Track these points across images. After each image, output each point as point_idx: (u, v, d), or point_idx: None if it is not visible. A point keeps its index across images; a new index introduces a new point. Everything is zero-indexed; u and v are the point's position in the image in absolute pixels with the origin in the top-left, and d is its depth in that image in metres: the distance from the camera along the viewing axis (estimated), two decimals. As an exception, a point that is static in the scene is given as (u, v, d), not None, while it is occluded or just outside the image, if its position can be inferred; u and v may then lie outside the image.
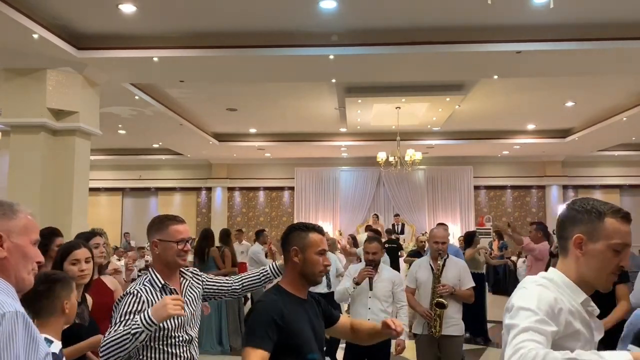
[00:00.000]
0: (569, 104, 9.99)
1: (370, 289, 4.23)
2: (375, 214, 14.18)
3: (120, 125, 11.01)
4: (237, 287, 2.59)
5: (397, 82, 8.64)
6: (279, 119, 11.37)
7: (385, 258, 7.94)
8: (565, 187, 15.74)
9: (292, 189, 16.14)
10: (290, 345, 2.03)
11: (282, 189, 16.33)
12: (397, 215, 14.42)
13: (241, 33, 6.33)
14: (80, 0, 5.52)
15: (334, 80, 7.98)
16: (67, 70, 6.67)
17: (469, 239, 7.83)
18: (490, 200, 16.03)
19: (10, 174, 6.55)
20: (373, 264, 4.24)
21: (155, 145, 14.27)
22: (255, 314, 2.10)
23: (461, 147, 13.71)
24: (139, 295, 2.21)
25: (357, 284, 4.26)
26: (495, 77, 7.63)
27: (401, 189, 15.60)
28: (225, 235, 7.84)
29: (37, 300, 2.20)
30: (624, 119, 10.17)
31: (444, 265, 4.27)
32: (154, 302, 2.20)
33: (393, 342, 3.92)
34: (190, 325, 2.33)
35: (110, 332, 2.09)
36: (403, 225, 14.06)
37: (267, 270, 2.66)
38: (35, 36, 5.72)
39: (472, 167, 15.69)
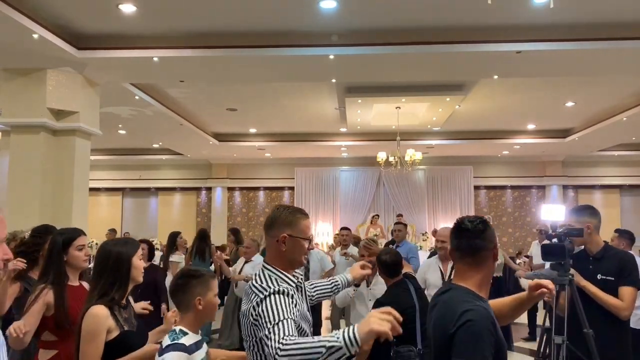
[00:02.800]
0: (569, 104, 9.99)
1: (367, 285, 4.20)
2: (375, 214, 14.18)
3: (120, 125, 11.01)
4: (313, 294, 2.52)
5: (397, 82, 8.64)
6: (279, 119, 11.37)
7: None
8: (565, 187, 15.74)
9: (292, 189, 16.14)
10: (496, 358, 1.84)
11: (282, 189, 16.33)
12: (399, 215, 14.39)
13: (241, 33, 6.33)
14: (80, 0, 5.52)
15: (334, 80, 7.98)
16: (67, 70, 6.68)
17: None
18: (490, 200, 16.03)
19: (10, 174, 6.55)
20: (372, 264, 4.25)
21: (155, 145, 14.27)
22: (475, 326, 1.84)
23: (461, 147, 13.71)
24: (290, 294, 1.94)
25: (357, 286, 4.21)
26: (495, 77, 7.63)
27: (401, 189, 15.59)
28: (238, 233, 8.07)
29: (176, 294, 2.31)
30: (624, 119, 10.17)
31: (452, 267, 4.27)
32: (299, 303, 2.01)
33: None
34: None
35: (288, 338, 1.76)
36: (405, 225, 14.03)
37: (337, 281, 2.63)
38: (35, 36, 5.73)
39: (472, 167, 15.69)
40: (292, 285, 2.04)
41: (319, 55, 6.53)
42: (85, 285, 2.98)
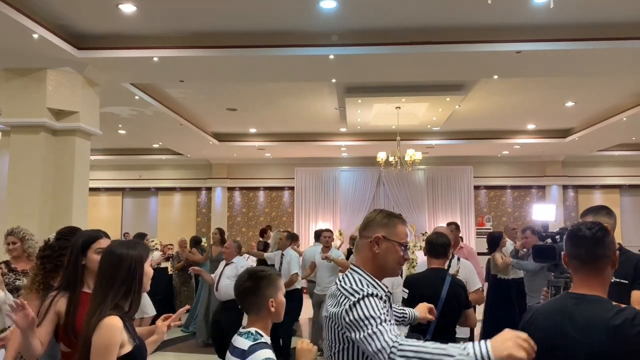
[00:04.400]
0: (569, 104, 9.99)
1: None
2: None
3: (120, 125, 11.01)
4: None
5: (397, 82, 8.64)
6: (279, 119, 11.37)
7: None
8: (565, 187, 15.73)
9: (292, 189, 16.14)
10: None
11: (282, 189, 16.33)
12: (399, 215, 14.38)
13: (241, 33, 6.33)
14: (80, 0, 5.52)
15: (334, 80, 7.97)
16: (67, 70, 6.67)
17: (494, 242, 6.95)
18: (490, 200, 16.02)
19: (10, 174, 6.55)
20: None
21: (155, 145, 14.27)
22: None
23: (461, 147, 13.71)
24: (383, 299, 1.88)
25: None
26: (495, 77, 7.63)
27: (401, 189, 15.59)
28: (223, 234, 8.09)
29: (245, 297, 2.24)
30: (624, 119, 10.17)
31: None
32: (390, 314, 1.93)
33: None
34: None
35: (403, 340, 1.68)
36: None
37: (406, 313, 2.59)
38: (35, 36, 5.73)
39: (472, 167, 15.69)
40: (383, 292, 1.93)
41: (319, 55, 6.53)
42: None
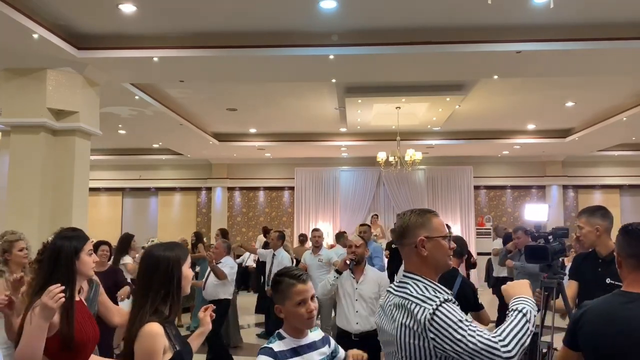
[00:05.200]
0: (569, 104, 9.99)
1: (352, 272, 4.17)
2: (375, 214, 14.18)
3: (120, 125, 11.00)
4: None
5: (397, 82, 8.63)
6: (279, 119, 11.37)
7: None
8: (565, 187, 15.74)
9: (292, 189, 16.14)
10: None
11: (282, 189, 16.34)
12: (400, 215, 14.37)
13: (241, 33, 6.33)
14: (80, 0, 5.52)
15: (334, 80, 7.97)
16: (67, 70, 6.67)
17: (506, 242, 6.90)
18: (490, 200, 16.02)
19: (10, 174, 6.55)
20: (356, 260, 4.15)
21: (155, 145, 14.27)
22: None
23: (461, 147, 13.71)
24: (455, 303, 1.85)
25: (339, 272, 4.18)
26: (495, 77, 7.63)
27: (401, 189, 15.59)
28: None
29: (274, 292, 2.24)
30: (624, 119, 10.17)
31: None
32: None
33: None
34: None
35: (493, 333, 1.72)
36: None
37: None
38: (35, 36, 5.72)
39: (472, 167, 15.69)
40: (452, 297, 1.89)
41: (319, 55, 6.53)
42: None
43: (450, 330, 1.73)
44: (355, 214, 15.46)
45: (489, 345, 1.67)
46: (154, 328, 1.97)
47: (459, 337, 1.71)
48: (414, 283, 1.91)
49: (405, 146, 11.38)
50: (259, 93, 9.30)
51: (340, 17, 5.89)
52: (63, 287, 2.19)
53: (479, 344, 1.68)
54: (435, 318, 1.75)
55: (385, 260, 9.41)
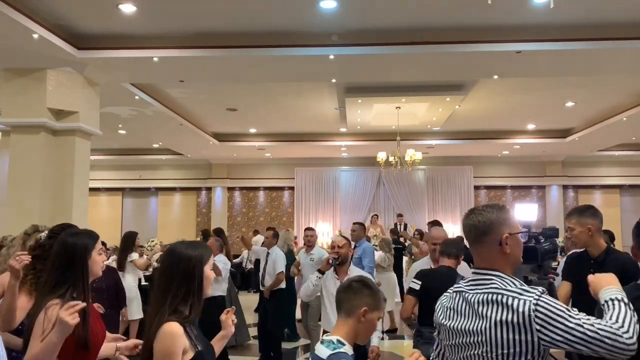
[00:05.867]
0: (569, 104, 9.99)
1: (336, 272, 4.08)
2: (374, 214, 14.18)
3: (120, 125, 11.01)
4: None
5: (397, 82, 8.64)
6: (279, 119, 11.37)
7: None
8: (565, 187, 15.74)
9: (292, 189, 16.15)
10: None
11: (282, 189, 16.34)
12: (400, 215, 14.38)
13: (241, 33, 6.33)
14: (80, 0, 5.52)
15: (334, 80, 7.98)
16: (67, 70, 6.67)
17: None
18: (490, 200, 16.01)
19: (10, 174, 6.55)
20: (338, 260, 4.08)
21: (155, 145, 14.27)
22: None
23: (461, 147, 13.71)
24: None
25: (321, 272, 4.10)
26: (495, 77, 7.63)
27: (401, 189, 15.60)
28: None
29: (343, 292, 2.22)
30: (624, 119, 10.17)
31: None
32: None
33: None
34: None
35: (606, 321, 1.70)
36: (406, 225, 14.05)
37: None
38: (35, 36, 5.72)
39: (472, 167, 15.69)
40: None
41: (319, 55, 6.53)
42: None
43: (560, 319, 1.66)
44: (355, 214, 15.45)
45: (608, 332, 1.62)
46: (174, 328, 1.92)
47: (572, 325, 1.65)
48: (500, 279, 1.82)
49: (405, 146, 11.38)
50: (259, 93, 9.30)
51: (340, 17, 5.89)
52: (84, 305, 2.11)
53: (598, 331, 1.62)
54: (540, 309, 1.69)
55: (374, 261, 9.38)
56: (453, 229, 15.10)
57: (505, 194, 16.00)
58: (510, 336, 1.72)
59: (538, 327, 1.69)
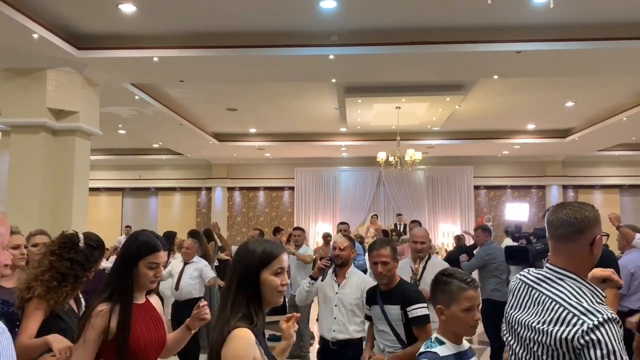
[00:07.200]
0: (569, 104, 9.99)
1: (322, 280, 3.81)
2: (374, 214, 14.17)
3: (120, 125, 11.01)
4: None
5: (397, 82, 8.63)
6: (279, 119, 11.37)
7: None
8: (565, 187, 15.74)
9: (292, 189, 16.14)
10: None
11: (282, 189, 16.33)
12: (399, 215, 14.38)
13: (241, 33, 6.33)
14: (80, 0, 5.52)
15: (334, 80, 7.97)
16: (67, 70, 6.67)
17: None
18: (490, 200, 16.02)
19: (10, 174, 6.55)
20: (339, 261, 3.79)
21: (155, 145, 14.27)
22: None
23: (461, 147, 13.71)
24: (619, 323, 1.66)
25: (313, 278, 3.84)
26: (495, 77, 7.63)
27: (401, 189, 15.59)
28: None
29: (433, 288, 2.19)
30: (624, 119, 10.17)
31: (424, 268, 3.98)
32: None
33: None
34: None
35: None
36: (405, 225, 14.04)
37: None
38: (35, 36, 5.72)
39: (472, 167, 15.69)
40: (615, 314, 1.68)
41: (319, 55, 6.53)
42: (154, 301, 2.45)
43: (603, 351, 1.54)
44: (355, 214, 15.46)
45: None
46: (248, 333, 1.73)
47: None
48: (572, 284, 1.72)
49: (405, 146, 11.38)
50: (259, 93, 9.30)
51: (340, 17, 5.89)
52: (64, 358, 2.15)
53: None
54: (592, 336, 1.57)
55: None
56: (453, 228, 15.12)
57: (505, 194, 16.00)
58: (557, 346, 1.65)
59: (580, 347, 1.59)
